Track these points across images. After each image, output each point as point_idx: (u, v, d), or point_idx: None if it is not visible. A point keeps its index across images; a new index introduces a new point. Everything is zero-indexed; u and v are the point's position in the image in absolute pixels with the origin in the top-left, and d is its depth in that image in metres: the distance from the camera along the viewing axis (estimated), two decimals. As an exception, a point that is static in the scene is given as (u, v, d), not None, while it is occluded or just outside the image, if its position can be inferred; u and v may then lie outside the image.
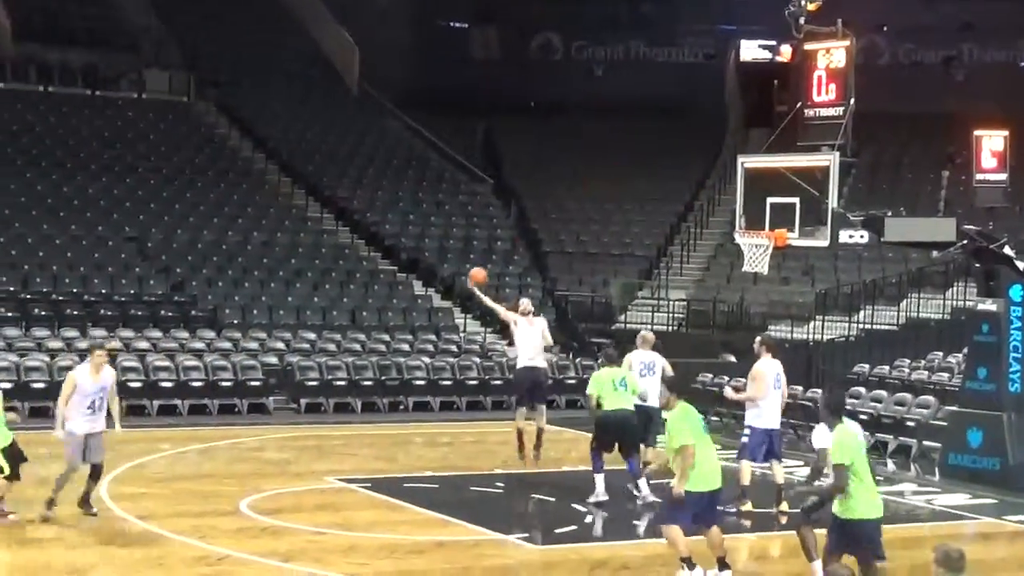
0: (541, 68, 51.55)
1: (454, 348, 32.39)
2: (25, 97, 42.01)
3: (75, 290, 31.57)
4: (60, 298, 31.02)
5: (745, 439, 17.70)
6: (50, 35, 43.79)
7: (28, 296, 30.77)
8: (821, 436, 12.47)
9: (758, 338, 18.33)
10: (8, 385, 25.97)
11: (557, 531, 16.35)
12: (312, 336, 31.71)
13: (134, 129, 41.77)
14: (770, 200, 20.86)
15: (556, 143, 46.47)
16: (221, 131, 43.64)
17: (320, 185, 40.90)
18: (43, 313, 30.14)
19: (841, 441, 11.80)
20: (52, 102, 42.02)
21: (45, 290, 31.27)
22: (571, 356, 32.94)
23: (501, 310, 22.25)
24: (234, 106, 44.70)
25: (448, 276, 36.85)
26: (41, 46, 43.94)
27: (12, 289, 30.91)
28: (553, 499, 18.05)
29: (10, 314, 29.56)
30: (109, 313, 30.77)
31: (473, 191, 43.32)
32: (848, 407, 16.92)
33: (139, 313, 31.12)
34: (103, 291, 31.75)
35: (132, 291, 32.10)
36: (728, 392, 18.57)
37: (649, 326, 31.97)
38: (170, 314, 31.37)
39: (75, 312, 30.54)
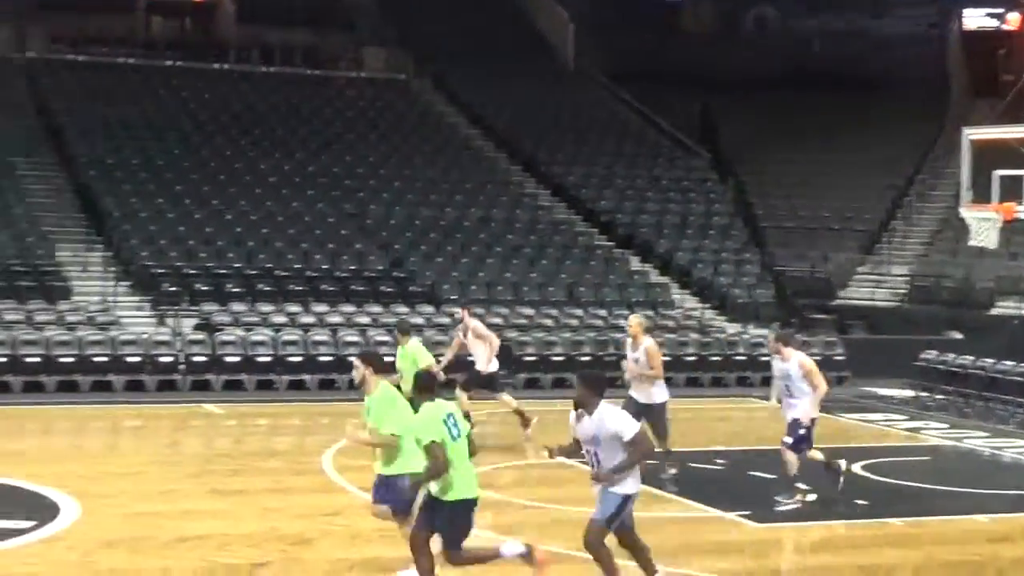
0: (756, 42, 50.80)
1: (671, 324, 32.15)
2: (248, 78, 43.05)
3: (297, 266, 32.21)
4: (283, 274, 31.68)
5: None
6: (272, 17, 44.75)
7: (253, 272, 31.50)
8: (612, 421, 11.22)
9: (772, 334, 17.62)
10: (237, 358, 26.77)
11: (778, 509, 16.05)
12: (530, 311, 31.82)
13: (353, 107, 42.45)
14: (998, 172, 20.15)
15: (772, 117, 45.65)
16: (438, 108, 44.07)
17: (536, 161, 40.98)
18: (267, 288, 30.83)
19: (429, 418, 11.25)
20: (274, 82, 42.99)
21: (268, 266, 31.97)
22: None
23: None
24: (451, 83, 45.08)
25: (665, 252, 36.58)
26: (263, 28, 44.95)
27: (238, 265, 31.69)
28: (773, 476, 17.72)
29: (236, 290, 30.30)
30: (330, 288, 31.32)
31: (689, 166, 42.91)
32: None
33: (360, 288, 31.61)
34: (324, 267, 32.33)
35: (353, 267, 32.62)
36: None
37: (871, 301, 31.30)
38: (390, 289, 31.80)
39: (298, 288, 31.16)
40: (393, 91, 44.63)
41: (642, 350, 17.50)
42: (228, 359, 27.30)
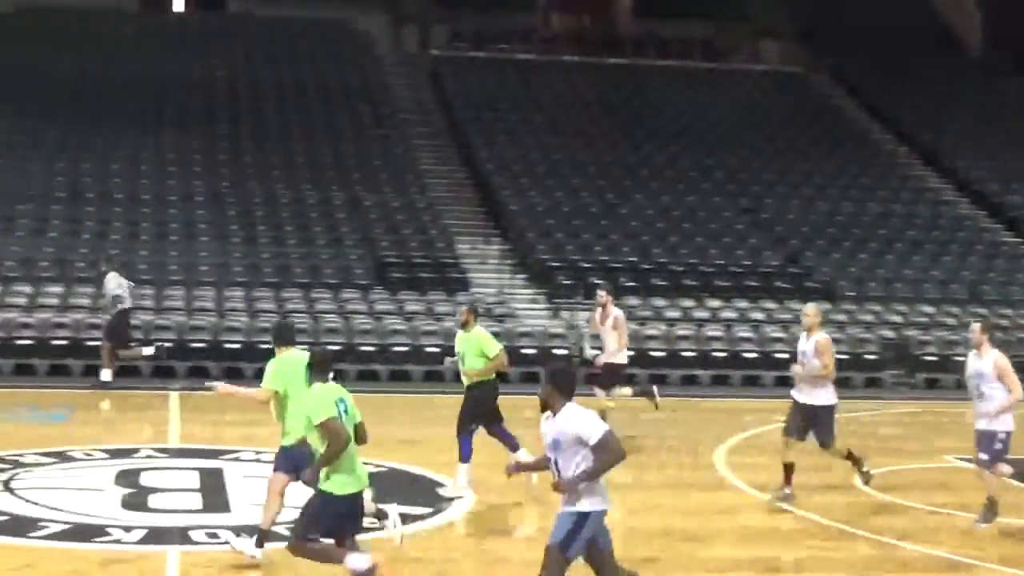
0: None
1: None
2: (645, 72, 43.18)
3: (692, 261, 32.05)
4: (677, 268, 31.59)
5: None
6: (668, 10, 44.73)
7: (647, 266, 31.52)
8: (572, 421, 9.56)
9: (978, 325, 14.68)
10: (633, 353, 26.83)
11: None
12: (930, 310, 30.68)
13: (749, 100, 41.99)
14: None
15: None
16: (836, 102, 43.11)
17: (939, 154, 39.52)
18: (661, 283, 30.80)
19: (322, 397, 10.52)
20: (670, 76, 42.94)
21: (663, 260, 31.93)
22: None
23: None
24: (849, 76, 44.01)
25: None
26: (660, 21, 45.01)
27: (632, 259, 31.78)
28: None
29: (630, 284, 30.39)
30: (724, 284, 31.03)
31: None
32: None
33: (754, 284, 31.20)
34: (719, 262, 32.06)
35: (747, 262, 32.24)
36: None
37: None
38: (785, 285, 31.25)
39: (691, 283, 31.01)
40: (790, 84, 43.95)
41: (811, 343, 15.33)
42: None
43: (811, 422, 15.20)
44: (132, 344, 24.67)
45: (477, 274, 31.21)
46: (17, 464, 16.01)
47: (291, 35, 42.98)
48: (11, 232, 30.48)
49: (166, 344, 25.63)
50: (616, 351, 19.63)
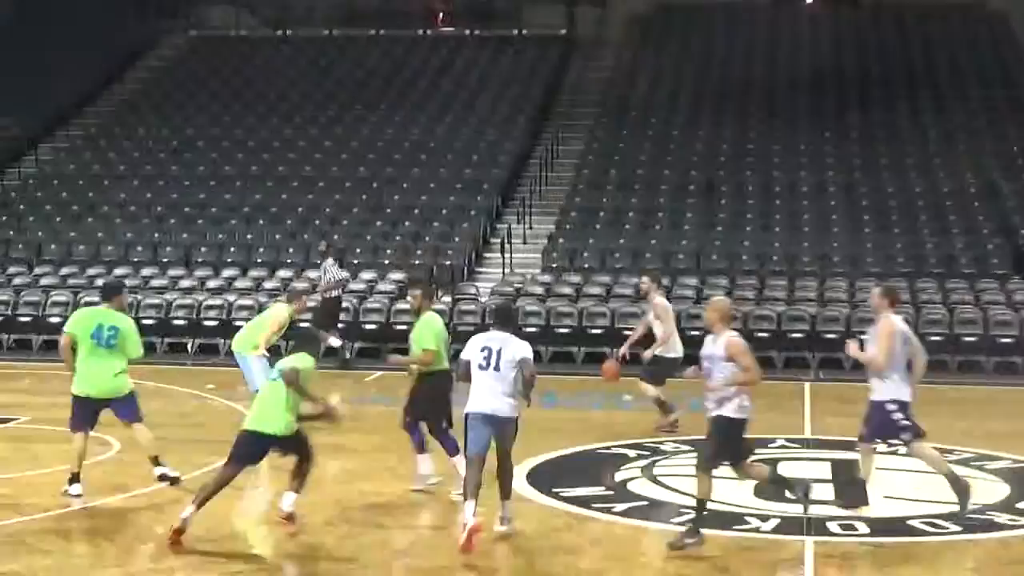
0: None
1: None
2: None
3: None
4: None
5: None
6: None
7: None
8: None
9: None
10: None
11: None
12: None
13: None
14: None
15: None
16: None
17: None
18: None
19: None
20: None
21: None
22: None
23: None
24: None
25: None
26: None
27: None
28: None
29: None
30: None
31: None
32: None
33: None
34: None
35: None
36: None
37: None
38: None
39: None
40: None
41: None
42: None
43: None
44: None
45: None
46: (657, 451, 16.64)
47: (919, 21, 42.12)
48: (651, 226, 31.71)
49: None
50: (660, 344, 18.28)
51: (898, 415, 12.89)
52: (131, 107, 40.26)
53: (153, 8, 46.20)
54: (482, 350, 12.04)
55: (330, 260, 26.21)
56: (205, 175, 34.87)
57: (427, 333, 13.96)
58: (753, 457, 12.50)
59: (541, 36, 43.31)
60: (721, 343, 11.88)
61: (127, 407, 13.99)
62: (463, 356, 12.22)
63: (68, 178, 35.57)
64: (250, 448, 12.09)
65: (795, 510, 13.08)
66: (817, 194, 32.70)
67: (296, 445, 12.18)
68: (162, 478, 14.11)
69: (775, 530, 12.69)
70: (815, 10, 44.58)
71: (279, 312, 17.35)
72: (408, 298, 17.89)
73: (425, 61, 41.94)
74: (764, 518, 13.05)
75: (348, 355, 26.32)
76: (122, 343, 13.80)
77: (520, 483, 14.44)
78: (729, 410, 11.83)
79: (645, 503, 13.79)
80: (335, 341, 25.34)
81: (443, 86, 39.94)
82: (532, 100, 38.66)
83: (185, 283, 29.90)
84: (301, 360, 12.21)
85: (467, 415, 12.05)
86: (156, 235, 32.20)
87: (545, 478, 14.84)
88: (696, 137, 35.70)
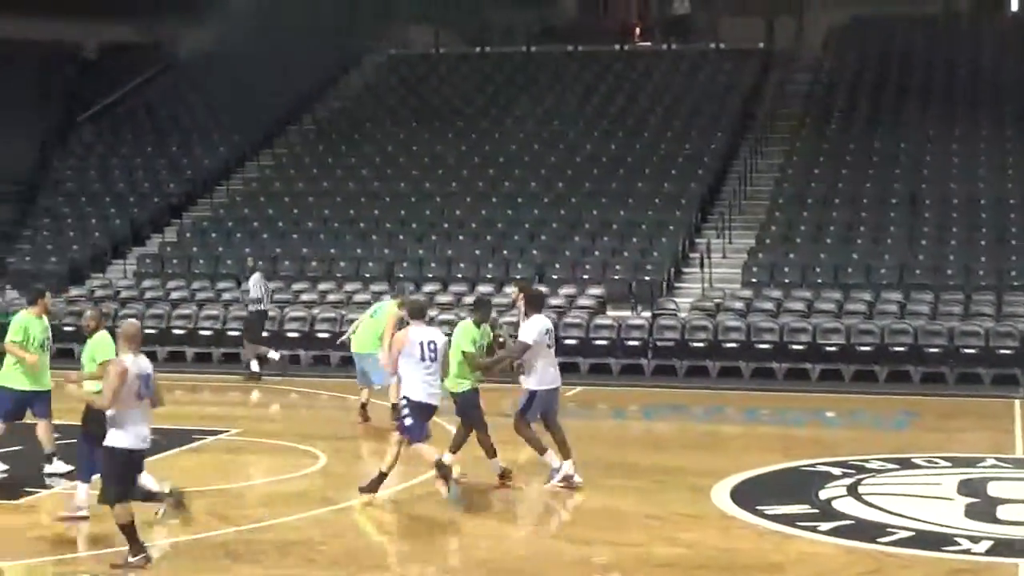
0: None
1: None
2: None
3: None
4: None
5: None
6: None
7: None
8: None
9: None
10: None
11: None
12: None
13: None
14: None
15: None
16: None
17: None
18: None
19: None
20: None
21: None
22: None
23: None
24: None
25: None
26: None
27: None
28: None
29: None
30: None
31: None
32: None
33: None
34: None
35: None
36: None
37: None
38: None
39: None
40: None
41: None
42: None
43: None
44: None
45: None
46: (862, 469, 16.38)
47: None
48: (853, 240, 31.23)
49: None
50: None
51: None
52: (333, 126, 41.08)
53: (355, 29, 47.09)
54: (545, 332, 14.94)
55: (257, 275, 26.93)
56: (405, 192, 35.38)
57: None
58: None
59: (738, 50, 42.98)
60: None
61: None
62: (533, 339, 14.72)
63: (274, 195, 36.41)
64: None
65: (1010, 532, 12.78)
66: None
67: None
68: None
69: (988, 552, 12.39)
70: (1019, 19, 43.45)
71: (391, 308, 19.10)
72: None
73: (622, 76, 41.97)
74: (975, 539, 12.75)
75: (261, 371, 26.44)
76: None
77: (723, 501, 14.40)
78: None
79: (851, 522, 13.58)
80: (274, 354, 26.23)
81: (640, 101, 39.89)
82: (730, 113, 38.37)
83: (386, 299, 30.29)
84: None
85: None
86: (359, 251, 32.76)
87: (749, 496, 14.73)
88: (898, 149, 35.03)
